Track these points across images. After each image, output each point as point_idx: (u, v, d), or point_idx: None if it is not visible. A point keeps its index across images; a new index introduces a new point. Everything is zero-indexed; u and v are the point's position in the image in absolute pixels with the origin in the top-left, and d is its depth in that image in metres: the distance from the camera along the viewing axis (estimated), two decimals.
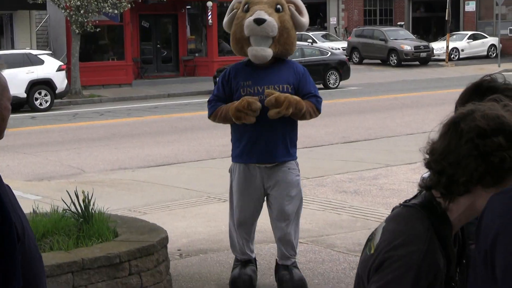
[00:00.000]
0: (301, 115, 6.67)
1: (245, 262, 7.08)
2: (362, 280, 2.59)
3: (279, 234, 6.97)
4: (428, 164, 2.56)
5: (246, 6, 6.82)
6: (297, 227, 7.03)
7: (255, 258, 7.22)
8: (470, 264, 2.39)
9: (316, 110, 6.79)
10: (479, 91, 2.93)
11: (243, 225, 7.01)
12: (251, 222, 7.05)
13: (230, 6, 7.11)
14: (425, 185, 2.57)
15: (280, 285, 7.00)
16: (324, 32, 48.64)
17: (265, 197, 7.00)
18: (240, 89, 6.75)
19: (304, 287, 6.98)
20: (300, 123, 6.98)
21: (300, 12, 6.98)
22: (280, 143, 6.79)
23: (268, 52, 6.71)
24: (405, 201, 2.62)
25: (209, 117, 6.98)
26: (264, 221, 9.76)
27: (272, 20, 6.67)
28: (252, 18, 6.66)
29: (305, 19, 7.01)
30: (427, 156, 2.57)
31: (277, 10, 6.80)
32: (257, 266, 7.25)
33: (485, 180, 2.42)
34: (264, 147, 6.73)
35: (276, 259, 7.18)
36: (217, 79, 28.36)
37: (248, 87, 6.75)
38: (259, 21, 6.62)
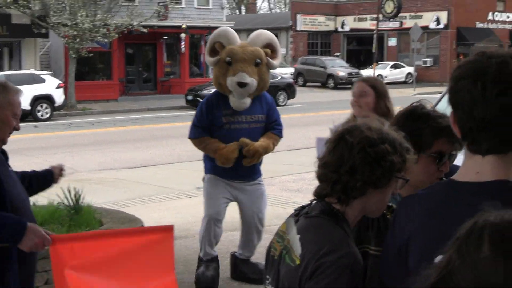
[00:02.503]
0: (268, 152, 6.45)
1: (208, 261, 6.69)
2: None
3: (247, 239, 6.72)
4: (321, 176, 2.45)
5: (228, 58, 6.32)
6: (261, 231, 6.77)
7: (217, 256, 6.78)
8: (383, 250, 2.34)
9: (278, 139, 6.55)
10: (412, 116, 2.84)
11: (212, 225, 6.57)
12: (218, 223, 6.60)
13: (210, 42, 6.50)
14: (319, 195, 2.45)
15: (246, 276, 6.79)
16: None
17: (235, 201, 6.64)
18: (222, 117, 6.32)
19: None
20: None
21: (274, 51, 6.55)
22: (252, 167, 6.46)
23: (247, 103, 6.34)
24: (306, 213, 2.46)
25: (191, 139, 6.49)
26: None
27: (252, 81, 6.24)
28: (235, 79, 6.20)
29: (277, 60, 6.59)
30: (320, 170, 2.45)
31: (256, 65, 6.35)
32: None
33: (380, 182, 2.36)
34: (239, 171, 6.37)
35: (235, 254, 6.93)
36: (189, 97, 27.94)
37: (229, 116, 6.33)
38: (242, 85, 6.20)
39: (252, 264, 6.84)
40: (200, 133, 6.41)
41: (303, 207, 2.50)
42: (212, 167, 6.51)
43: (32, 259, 3.56)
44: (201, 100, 33.33)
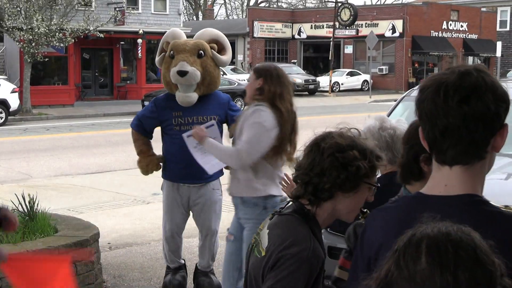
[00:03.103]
0: None
1: (176, 269, 6.61)
2: (256, 279, 2.58)
3: (204, 247, 6.55)
4: (296, 178, 2.64)
5: (171, 52, 6.27)
6: (217, 239, 6.64)
7: (184, 264, 6.72)
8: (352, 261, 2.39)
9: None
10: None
11: (172, 238, 6.48)
12: (179, 235, 6.52)
13: (160, 44, 6.54)
14: (294, 196, 2.63)
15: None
16: (232, 66, 48.86)
17: (190, 211, 6.52)
18: (172, 119, 6.19)
19: None
20: None
21: (223, 48, 6.44)
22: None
23: (193, 97, 6.18)
24: (279, 211, 2.65)
25: (132, 129, 6.45)
26: None
27: (193, 71, 6.12)
28: (176, 69, 6.11)
29: (226, 56, 6.42)
30: (295, 172, 2.64)
31: (199, 56, 6.23)
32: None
33: (345, 186, 2.53)
34: (192, 170, 6.16)
35: (196, 265, 6.76)
36: (146, 102, 27.79)
37: (179, 118, 6.19)
38: (182, 73, 6.08)
39: (209, 277, 6.67)
40: (137, 127, 6.41)
41: (282, 207, 2.68)
42: (169, 171, 6.40)
43: None
44: None
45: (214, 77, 6.33)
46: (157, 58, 6.56)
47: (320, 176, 2.51)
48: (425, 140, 1.95)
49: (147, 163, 6.42)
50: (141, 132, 6.43)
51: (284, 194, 4.76)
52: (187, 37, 6.71)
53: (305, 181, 2.56)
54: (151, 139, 6.52)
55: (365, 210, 2.75)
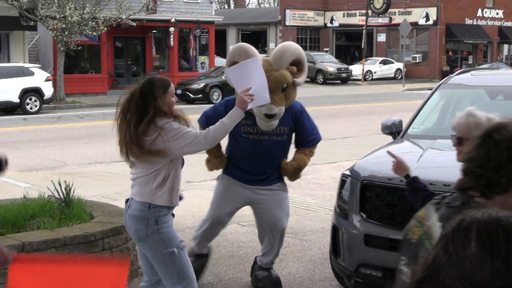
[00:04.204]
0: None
1: (197, 255, 6.46)
2: None
3: (272, 245, 6.36)
4: (466, 170, 2.56)
5: None
6: (280, 243, 6.42)
7: (207, 254, 6.58)
8: None
9: (314, 149, 6.40)
10: None
11: (216, 224, 6.33)
12: (222, 225, 6.39)
13: (227, 60, 6.09)
14: (462, 187, 2.57)
15: (258, 281, 6.47)
16: (265, 55, 48.64)
17: (251, 208, 6.38)
18: (241, 127, 5.94)
19: (280, 283, 6.46)
20: None
21: (302, 69, 6.15)
22: (273, 172, 6.22)
23: (274, 125, 6.04)
24: (447, 202, 2.60)
25: (199, 124, 6.16)
26: None
27: (280, 111, 5.94)
28: (263, 111, 5.85)
29: (302, 78, 6.15)
30: (466, 164, 2.57)
31: (283, 90, 5.97)
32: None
33: None
34: (257, 176, 6.15)
35: (256, 260, 6.59)
36: (179, 91, 27.70)
37: (248, 126, 6.04)
38: (269, 116, 5.89)
39: (269, 271, 6.50)
40: (206, 126, 6.22)
41: (443, 197, 2.63)
42: (232, 170, 6.29)
43: None
44: (190, 94, 32.97)
45: (293, 97, 6.16)
46: (228, 80, 6.01)
47: (496, 170, 2.43)
48: None
49: (217, 164, 6.35)
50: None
51: None
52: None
53: (477, 174, 2.49)
54: None
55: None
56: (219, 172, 6.51)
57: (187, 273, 4.88)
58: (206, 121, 6.10)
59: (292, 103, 6.21)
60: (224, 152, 6.40)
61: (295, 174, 6.28)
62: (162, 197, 4.82)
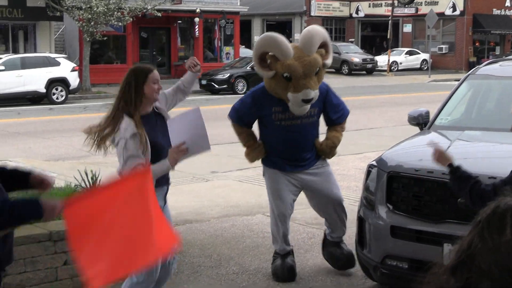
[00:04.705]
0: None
1: (285, 255, 6.50)
2: None
3: (334, 219, 6.52)
4: None
5: (287, 74, 6.00)
6: (342, 211, 6.58)
7: (291, 250, 6.62)
8: None
9: (343, 126, 6.52)
10: None
11: (284, 220, 6.42)
12: (289, 216, 6.49)
13: (256, 52, 6.15)
14: None
15: (333, 258, 6.64)
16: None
17: (302, 191, 6.52)
18: (272, 114, 6.17)
19: (354, 258, 6.52)
20: None
21: (328, 50, 6.32)
22: (309, 154, 6.35)
23: (307, 109, 6.19)
24: None
25: (231, 121, 6.43)
26: (238, 197, 9.76)
27: (316, 94, 6.10)
28: (300, 97, 5.99)
29: (330, 59, 6.34)
30: None
31: (316, 73, 6.14)
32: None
33: None
34: (295, 161, 6.29)
35: (325, 235, 6.75)
36: (203, 81, 27.78)
37: (279, 113, 6.18)
38: (307, 101, 6.04)
39: (340, 247, 6.66)
40: (237, 120, 6.41)
41: None
42: (268, 161, 6.41)
43: (11, 234, 3.67)
44: (215, 85, 32.99)
45: (323, 77, 6.36)
46: (259, 69, 6.17)
47: None
48: None
49: (257, 155, 6.45)
50: (242, 124, 6.42)
51: None
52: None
53: None
54: (251, 127, 6.51)
55: None
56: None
57: None
58: (237, 115, 6.35)
59: (320, 87, 6.32)
60: (259, 141, 6.49)
61: (331, 152, 6.45)
62: None
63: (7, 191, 3.61)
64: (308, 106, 6.15)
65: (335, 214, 6.51)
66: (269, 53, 6.11)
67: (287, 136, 6.23)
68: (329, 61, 6.30)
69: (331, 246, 6.66)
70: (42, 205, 3.42)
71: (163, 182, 5.05)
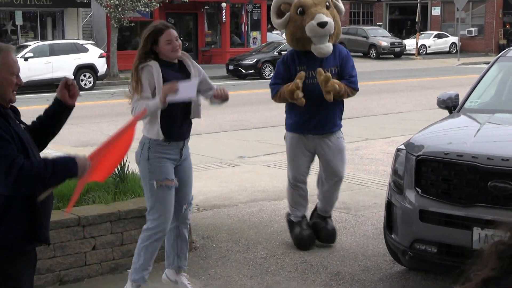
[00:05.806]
0: (339, 96, 6.45)
1: (299, 222, 6.88)
2: None
3: (330, 192, 6.81)
4: None
5: (300, 9, 6.47)
6: (338, 191, 6.89)
7: (304, 215, 6.94)
8: None
9: (353, 90, 6.54)
10: None
11: (296, 186, 6.80)
12: (303, 182, 6.81)
13: (274, 6, 6.73)
14: None
15: (316, 230, 6.89)
16: None
17: (317, 157, 6.78)
18: (297, 73, 6.48)
19: (335, 235, 6.93)
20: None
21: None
22: (329, 118, 6.56)
23: (330, 47, 6.45)
24: None
25: (272, 98, 6.69)
26: (265, 182, 9.76)
27: (331, 21, 6.40)
28: (314, 22, 6.33)
29: (342, 4, 6.76)
30: None
31: (327, 7, 6.52)
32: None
33: None
34: (316, 122, 6.53)
35: (316, 206, 7.05)
36: (231, 67, 27.83)
37: (303, 72, 6.47)
38: (322, 25, 6.32)
39: (326, 221, 6.94)
40: (275, 89, 6.60)
41: None
42: (290, 123, 6.71)
43: (47, 208, 3.70)
44: (242, 70, 32.99)
45: (340, 27, 6.64)
46: (275, 20, 6.72)
47: None
48: None
49: (291, 90, 6.49)
50: (277, 88, 6.60)
51: None
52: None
53: None
54: None
55: None
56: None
57: (160, 211, 5.26)
58: (275, 82, 6.65)
59: (340, 47, 6.69)
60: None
61: (332, 87, 6.35)
62: (151, 131, 5.41)
63: (53, 132, 3.86)
64: (330, 45, 6.42)
65: (333, 188, 6.78)
66: (284, 3, 6.61)
67: (309, 96, 6.40)
68: (341, 4, 6.70)
69: (318, 218, 6.96)
70: (77, 161, 3.55)
71: (177, 136, 5.35)
